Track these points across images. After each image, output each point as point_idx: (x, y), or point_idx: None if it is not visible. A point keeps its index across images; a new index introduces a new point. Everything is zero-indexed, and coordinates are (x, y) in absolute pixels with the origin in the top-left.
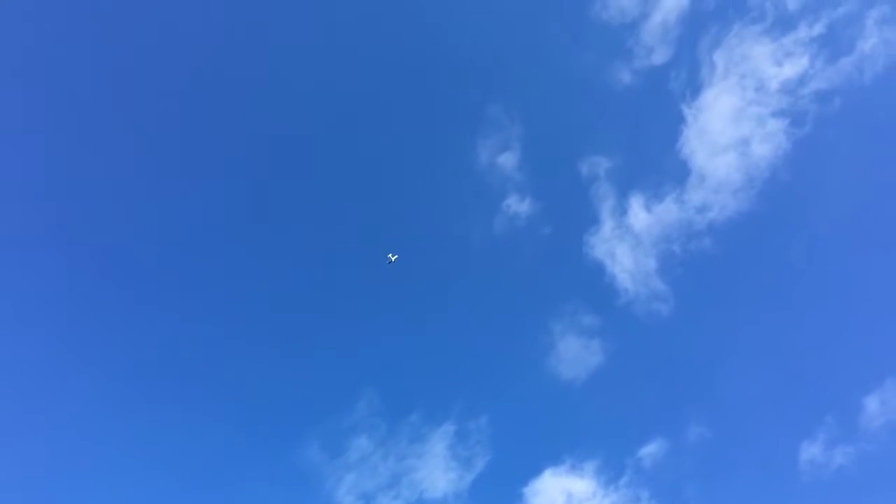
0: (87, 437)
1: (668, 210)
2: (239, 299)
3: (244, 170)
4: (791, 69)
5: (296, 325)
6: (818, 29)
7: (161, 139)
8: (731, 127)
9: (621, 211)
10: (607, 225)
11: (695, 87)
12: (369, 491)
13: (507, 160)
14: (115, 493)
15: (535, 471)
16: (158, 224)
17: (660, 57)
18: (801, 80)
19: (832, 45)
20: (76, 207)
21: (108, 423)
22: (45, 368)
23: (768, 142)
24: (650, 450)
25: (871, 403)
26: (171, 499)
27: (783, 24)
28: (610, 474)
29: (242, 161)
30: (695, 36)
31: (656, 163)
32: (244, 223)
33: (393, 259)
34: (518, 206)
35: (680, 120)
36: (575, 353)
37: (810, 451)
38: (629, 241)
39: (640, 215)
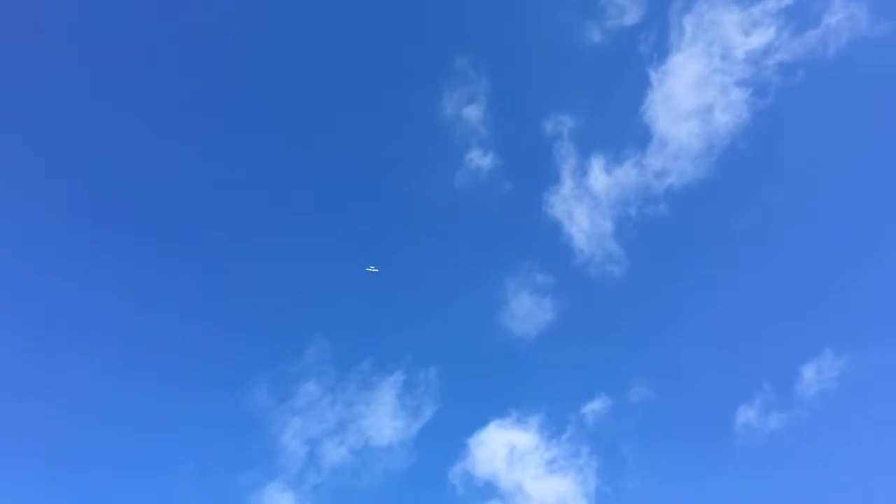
0: (38, 372)
1: (628, 174)
2: (194, 241)
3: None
4: (757, 39)
5: (250, 269)
6: (786, 1)
7: None
8: (694, 93)
9: (582, 172)
10: (567, 185)
11: (662, 51)
12: (315, 436)
13: (473, 113)
14: (66, 435)
15: (480, 422)
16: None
17: (631, 18)
18: (767, 50)
19: (799, 17)
20: None
21: (57, 360)
22: None
23: (730, 111)
24: (593, 407)
25: (808, 372)
26: (119, 441)
27: None
28: (553, 429)
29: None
30: None
31: (619, 125)
32: (199, 158)
33: (374, 270)
34: (481, 160)
35: (646, 83)
36: (527, 310)
37: (746, 416)
38: (587, 202)
39: (599, 177)
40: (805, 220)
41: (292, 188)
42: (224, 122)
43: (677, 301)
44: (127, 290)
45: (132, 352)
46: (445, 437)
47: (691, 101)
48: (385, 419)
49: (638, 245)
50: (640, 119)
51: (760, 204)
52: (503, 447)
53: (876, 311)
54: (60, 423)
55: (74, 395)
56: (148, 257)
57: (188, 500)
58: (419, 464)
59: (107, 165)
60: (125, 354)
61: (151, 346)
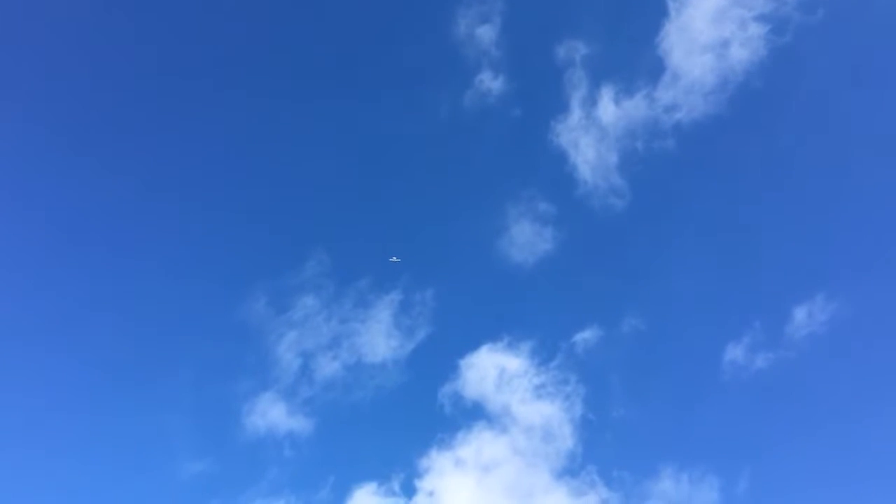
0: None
1: (637, 106)
2: (192, 151)
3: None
4: None
5: (253, 179)
6: None
7: None
8: (712, 27)
9: (591, 102)
10: (575, 114)
11: None
12: (309, 349)
13: (486, 33)
14: (59, 342)
15: (473, 345)
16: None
17: None
18: None
19: None
20: None
21: (49, 271)
22: None
23: (747, 46)
24: (584, 336)
25: (800, 314)
26: (115, 349)
27: None
28: (543, 355)
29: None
30: None
31: (633, 56)
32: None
33: (395, 260)
34: (491, 82)
35: (663, 13)
36: (527, 238)
37: (734, 353)
38: (594, 133)
39: (608, 108)
40: (811, 164)
41: (296, 99)
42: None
43: (676, 237)
44: (123, 196)
45: (127, 260)
46: (438, 357)
47: (708, 34)
48: (379, 337)
49: (642, 179)
50: (654, 51)
51: (768, 145)
52: (493, 370)
53: (873, 257)
54: (54, 331)
55: (68, 304)
56: (147, 162)
57: (183, 408)
58: (410, 382)
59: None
60: (120, 262)
61: (148, 254)
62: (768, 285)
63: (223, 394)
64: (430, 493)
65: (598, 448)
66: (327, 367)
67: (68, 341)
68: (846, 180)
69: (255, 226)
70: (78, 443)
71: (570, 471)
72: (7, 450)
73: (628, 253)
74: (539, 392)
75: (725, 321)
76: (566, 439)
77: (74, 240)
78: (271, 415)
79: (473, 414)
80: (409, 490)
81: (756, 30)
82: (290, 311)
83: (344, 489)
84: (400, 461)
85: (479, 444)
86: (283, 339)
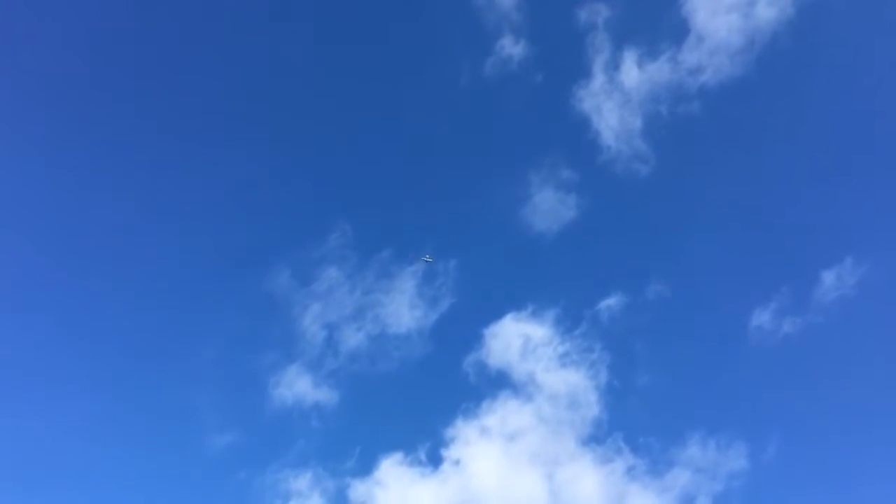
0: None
1: (661, 70)
2: (217, 125)
3: None
4: None
5: (274, 153)
6: None
7: None
8: None
9: (614, 66)
10: (598, 79)
11: None
12: (334, 321)
13: None
14: (79, 312)
15: (497, 314)
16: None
17: None
18: None
19: None
20: None
21: (71, 238)
22: None
23: (774, 5)
24: (609, 303)
25: (828, 278)
26: (140, 322)
27: None
28: (568, 323)
29: None
30: None
31: (656, 17)
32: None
33: (428, 259)
34: (512, 48)
35: None
36: (550, 206)
37: (761, 318)
38: (617, 97)
39: (631, 72)
40: (840, 125)
41: (317, 70)
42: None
43: (702, 201)
44: (147, 168)
45: (152, 234)
46: (462, 327)
47: None
48: (403, 308)
49: (667, 144)
50: (678, 12)
51: (796, 106)
52: (517, 339)
53: None
54: (81, 301)
55: (94, 274)
56: (172, 137)
57: (211, 382)
58: (435, 352)
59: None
60: (146, 238)
61: (174, 229)
62: (796, 249)
63: (250, 366)
64: (456, 462)
65: (624, 415)
66: (352, 339)
67: (95, 319)
68: (876, 141)
69: (278, 198)
70: (108, 419)
71: (595, 438)
72: (37, 426)
73: (653, 219)
74: (564, 360)
75: (752, 286)
76: (591, 406)
77: (97, 217)
78: (298, 387)
79: (498, 383)
80: (436, 459)
81: None
82: (315, 283)
83: (371, 459)
84: (426, 431)
85: (504, 413)
86: (307, 311)
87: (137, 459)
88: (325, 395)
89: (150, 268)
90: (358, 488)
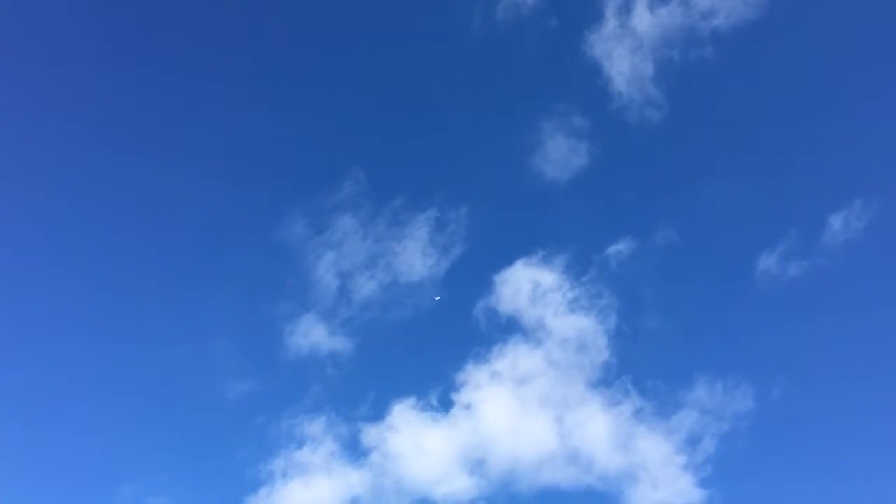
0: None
1: (673, 14)
2: (233, 71)
3: None
4: None
5: (287, 99)
6: None
7: None
8: None
9: (626, 10)
10: (610, 24)
11: None
12: (346, 270)
13: None
14: (88, 261)
15: (507, 260)
16: None
17: None
18: None
19: None
20: None
21: (85, 184)
22: None
23: None
24: (618, 248)
25: (836, 221)
26: (155, 270)
27: None
28: (577, 269)
29: None
30: None
31: None
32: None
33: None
34: None
35: None
36: (561, 154)
37: (767, 262)
38: (629, 43)
39: (643, 16)
40: (852, 66)
41: (327, 13)
42: None
43: (713, 147)
44: (156, 115)
45: (164, 181)
46: (473, 273)
47: None
48: (415, 255)
49: (679, 90)
50: None
51: (811, 47)
52: (528, 284)
53: None
54: (96, 253)
55: (107, 223)
56: (180, 83)
57: (226, 331)
58: (446, 300)
59: None
60: (157, 185)
61: (186, 177)
62: (804, 192)
63: (266, 315)
64: (467, 406)
65: (633, 359)
66: (365, 288)
67: (107, 270)
68: (888, 82)
69: (290, 145)
70: (125, 371)
71: (604, 381)
72: (52, 380)
73: (664, 165)
74: (573, 305)
75: (759, 230)
76: (600, 351)
77: (108, 164)
78: (313, 335)
79: (508, 328)
80: (447, 403)
81: None
82: (328, 231)
83: (383, 404)
84: (437, 376)
85: (514, 358)
86: (321, 259)
87: (157, 406)
88: (340, 344)
89: (164, 216)
90: (370, 433)
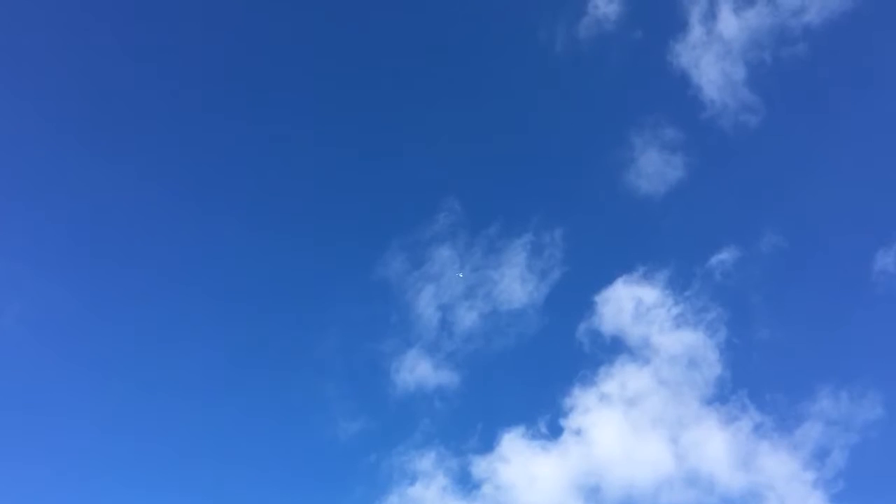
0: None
1: (760, 14)
2: (323, 110)
3: None
4: None
5: (381, 133)
6: None
7: None
8: None
9: (711, 16)
10: (695, 31)
11: None
12: (447, 302)
13: None
14: (201, 319)
15: (607, 280)
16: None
17: None
18: None
19: None
20: None
21: (178, 243)
22: None
23: None
24: (721, 258)
25: None
26: (265, 323)
27: None
28: (680, 283)
29: None
30: None
31: None
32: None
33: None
34: (606, 7)
35: None
36: (655, 168)
37: (884, 261)
38: (717, 49)
39: (730, 21)
40: None
41: (415, 45)
42: None
43: (815, 147)
44: (254, 160)
45: (264, 229)
46: (573, 296)
47: None
48: (514, 282)
49: (775, 92)
50: None
51: None
52: (630, 302)
53: None
54: (198, 302)
55: (211, 279)
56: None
57: (337, 372)
58: (549, 325)
59: None
60: (257, 236)
61: (281, 223)
62: None
63: (371, 354)
64: (577, 431)
65: (747, 372)
66: (466, 319)
67: (217, 324)
68: None
69: (385, 181)
70: (245, 416)
71: (719, 397)
72: (174, 429)
73: (765, 169)
74: (679, 320)
75: (873, 228)
76: (712, 365)
77: (198, 216)
78: (418, 370)
79: (613, 348)
80: (556, 430)
81: None
82: (426, 265)
83: (492, 435)
84: (544, 403)
85: (622, 378)
86: (421, 293)
87: (276, 450)
88: (444, 377)
89: (267, 267)
90: (480, 464)
